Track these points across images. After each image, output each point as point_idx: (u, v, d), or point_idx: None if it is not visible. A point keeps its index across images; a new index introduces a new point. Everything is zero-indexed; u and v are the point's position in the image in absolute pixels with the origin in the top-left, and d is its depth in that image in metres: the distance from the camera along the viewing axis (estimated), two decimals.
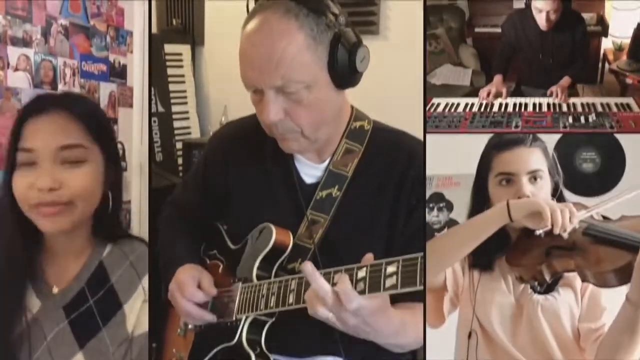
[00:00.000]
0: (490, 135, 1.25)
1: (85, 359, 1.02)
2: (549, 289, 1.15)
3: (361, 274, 0.95)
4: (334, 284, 0.96)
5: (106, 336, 1.03)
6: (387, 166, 1.18)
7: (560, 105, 1.81)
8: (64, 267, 1.08)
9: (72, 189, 1.01)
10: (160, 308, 1.31)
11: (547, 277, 1.08)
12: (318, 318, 0.98)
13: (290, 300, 1.06)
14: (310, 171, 1.22)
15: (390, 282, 0.92)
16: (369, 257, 0.98)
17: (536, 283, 1.14)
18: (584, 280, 1.06)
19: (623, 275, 0.99)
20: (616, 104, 1.79)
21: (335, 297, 0.94)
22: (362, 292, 0.95)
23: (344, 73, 1.09)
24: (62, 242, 1.08)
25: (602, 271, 1.01)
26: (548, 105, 1.82)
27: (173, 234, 1.36)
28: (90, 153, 1.04)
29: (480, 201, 1.20)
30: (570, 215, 1.04)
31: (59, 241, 1.08)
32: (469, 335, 1.19)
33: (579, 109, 1.79)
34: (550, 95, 1.83)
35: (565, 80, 1.85)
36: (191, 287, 1.18)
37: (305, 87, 1.06)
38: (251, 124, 1.20)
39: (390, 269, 0.92)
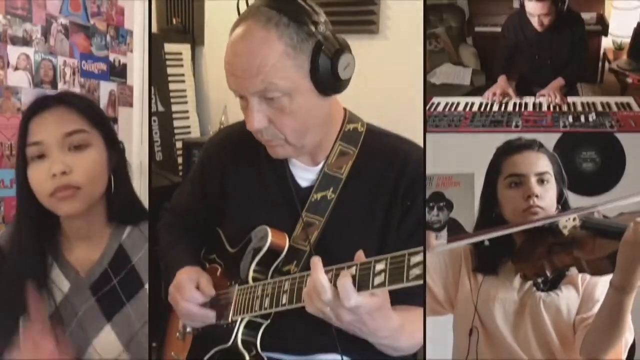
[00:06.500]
0: (488, 133, 1.26)
1: (113, 331, 1.11)
2: (552, 287, 1.18)
3: (351, 272, 0.95)
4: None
5: (131, 311, 1.12)
6: (383, 168, 1.19)
7: (560, 105, 1.81)
8: (85, 251, 1.16)
9: (81, 171, 1.08)
10: (162, 310, 1.32)
11: (549, 273, 1.12)
12: (313, 313, 0.98)
13: (284, 301, 1.07)
14: (304, 174, 1.23)
15: (378, 279, 0.92)
16: (359, 255, 0.98)
17: (539, 280, 1.17)
18: (580, 270, 1.10)
19: (615, 261, 1.01)
20: (616, 103, 1.79)
21: (334, 293, 0.94)
22: None
23: (327, 80, 1.10)
24: (80, 227, 1.15)
25: (595, 258, 1.05)
26: (548, 104, 1.82)
27: (172, 239, 1.37)
28: (92, 137, 1.12)
29: (489, 205, 1.24)
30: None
31: (77, 226, 1.15)
32: (470, 332, 1.21)
33: (579, 108, 1.79)
34: (543, 97, 1.83)
35: (557, 82, 1.84)
36: (190, 288, 1.19)
37: (286, 95, 1.07)
38: (245, 129, 1.20)
39: (379, 266, 0.93)
